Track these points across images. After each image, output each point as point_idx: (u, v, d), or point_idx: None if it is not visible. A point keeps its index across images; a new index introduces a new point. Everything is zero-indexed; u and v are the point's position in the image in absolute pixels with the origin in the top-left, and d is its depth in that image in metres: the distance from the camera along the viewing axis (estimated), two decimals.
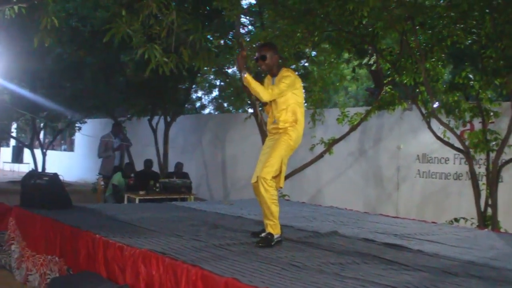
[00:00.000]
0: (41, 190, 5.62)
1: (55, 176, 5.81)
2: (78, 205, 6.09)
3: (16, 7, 6.59)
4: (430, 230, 5.41)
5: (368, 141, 11.14)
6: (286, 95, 4.21)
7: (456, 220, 7.19)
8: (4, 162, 20.74)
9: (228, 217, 5.82)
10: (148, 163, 9.48)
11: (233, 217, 5.81)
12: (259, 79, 4.53)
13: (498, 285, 3.10)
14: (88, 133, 16.85)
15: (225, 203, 7.40)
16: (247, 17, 13.34)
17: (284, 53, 8.23)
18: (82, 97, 12.75)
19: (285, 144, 4.22)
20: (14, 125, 20.59)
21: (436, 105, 7.38)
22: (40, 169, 17.64)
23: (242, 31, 13.21)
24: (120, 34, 6.80)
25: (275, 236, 4.08)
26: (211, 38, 12.85)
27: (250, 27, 12.55)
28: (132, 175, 9.48)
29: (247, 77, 4.04)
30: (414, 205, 10.24)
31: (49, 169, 19.06)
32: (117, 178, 8.86)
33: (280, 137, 4.25)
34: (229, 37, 11.60)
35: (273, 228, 4.09)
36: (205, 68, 7.61)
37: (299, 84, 4.35)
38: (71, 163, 20.32)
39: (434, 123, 7.64)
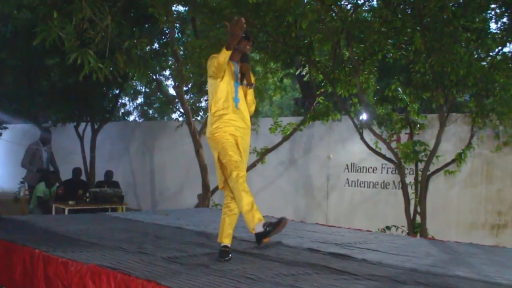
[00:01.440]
0: None
1: None
2: (6, 217, 5.73)
3: None
4: (367, 239, 5.57)
5: (298, 151, 11.33)
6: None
7: (388, 228, 7.46)
8: None
9: (167, 228, 5.70)
10: (76, 171, 9.11)
11: (172, 228, 5.70)
12: None
13: None
14: (9, 139, 15.97)
15: (160, 213, 7.25)
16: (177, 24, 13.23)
17: None
18: (2, 101, 12.09)
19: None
20: None
21: (367, 117, 7.63)
22: None
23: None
24: (51, 37, 6.52)
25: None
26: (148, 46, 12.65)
27: (179, 34, 12.41)
28: (57, 184, 9.08)
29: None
30: (343, 213, 10.52)
31: None
32: (41, 189, 8.44)
33: None
34: (161, 42, 11.41)
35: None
36: (137, 76, 7.40)
37: None
38: None
39: (365, 134, 7.90)
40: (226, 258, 3.89)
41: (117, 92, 13.58)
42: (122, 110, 21.92)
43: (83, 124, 13.55)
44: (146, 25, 11.52)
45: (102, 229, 5.23)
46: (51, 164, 9.53)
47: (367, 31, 7.29)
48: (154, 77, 11.75)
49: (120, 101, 20.84)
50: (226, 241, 4.08)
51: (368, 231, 6.51)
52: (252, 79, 4.15)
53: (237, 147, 3.97)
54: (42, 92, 12.30)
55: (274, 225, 3.68)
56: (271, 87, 18.30)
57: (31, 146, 9.22)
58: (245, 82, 4.08)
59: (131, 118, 22.55)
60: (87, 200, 8.34)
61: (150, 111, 22.69)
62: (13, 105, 12.22)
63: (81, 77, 6.73)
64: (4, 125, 15.11)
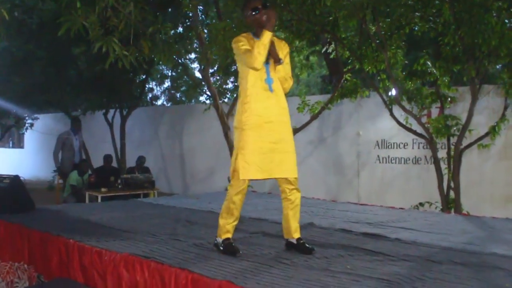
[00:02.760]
0: (2, 193, 5.37)
1: (16, 178, 5.56)
2: (41, 207, 5.84)
3: None
4: (401, 217, 5.49)
5: (327, 129, 11.23)
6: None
7: (421, 204, 7.34)
8: None
9: (199, 212, 5.73)
10: (107, 158, 9.22)
11: (204, 212, 5.72)
12: None
13: (482, 271, 3.15)
14: (40, 129, 16.28)
15: (191, 197, 7.29)
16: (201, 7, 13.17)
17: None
18: (33, 92, 12.27)
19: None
20: None
21: (396, 92, 7.48)
22: None
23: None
24: (76, 27, 6.56)
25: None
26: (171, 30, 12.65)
27: (203, 16, 12.34)
28: (90, 172, 9.21)
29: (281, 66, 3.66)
30: (375, 190, 10.43)
31: None
32: (74, 177, 8.58)
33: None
34: (185, 25, 11.38)
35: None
36: (162, 61, 7.37)
37: None
38: (21, 160, 19.62)
39: (395, 110, 7.75)
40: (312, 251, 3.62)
41: (144, 77, 13.63)
42: (150, 95, 22.09)
43: (112, 111, 13.70)
44: (170, 9, 11.51)
45: (135, 216, 5.28)
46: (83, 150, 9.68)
47: (393, 4, 7.09)
48: (180, 60, 11.75)
49: (147, 86, 21.04)
50: (296, 235, 3.74)
51: (401, 208, 6.43)
52: (283, 52, 3.71)
53: (263, 143, 3.60)
54: (70, 81, 12.44)
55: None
56: (298, 65, 18.16)
57: (62, 135, 9.34)
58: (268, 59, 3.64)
59: (159, 102, 22.74)
60: (119, 186, 8.44)
61: (178, 95, 22.80)
62: (42, 95, 12.38)
63: (107, 65, 6.77)
64: (35, 115, 15.40)
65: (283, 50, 3.75)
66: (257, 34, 3.59)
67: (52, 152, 9.37)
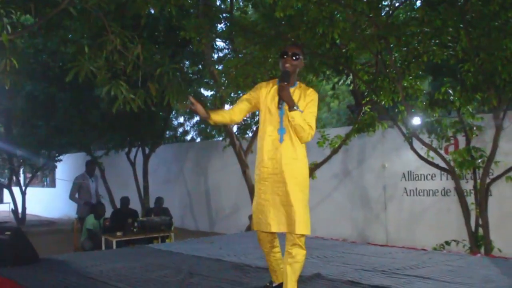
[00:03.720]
0: (3, 246, 5.23)
1: (17, 230, 5.44)
2: (45, 259, 5.68)
3: None
4: (420, 261, 5.11)
5: (351, 161, 10.88)
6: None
7: (447, 243, 6.89)
8: None
9: (205, 260, 5.46)
10: (124, 200, 9.08)
11: (211, 261, 5.45)
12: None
13: None
14: (64, 169, 16.44)
15: (205, 241, 7.04)
16: (221, 41, 13.14)
17: (258, 80, 7.97)
18: (56, 134, 12.37)
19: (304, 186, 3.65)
20: None
21: (415, 125, 7.13)
22: (20, 208, 17.23)
23: (215, 56, 13.01)
24: (83, 72, 6.52)
25: None
26: (185, 68, 12.62)
27: (221, 54, 12.31)
28: (105, 216, 9.07)
29: (297, 112, 3.43)
30: (403, 224, 9.96)
31: (30, 207, 18.65)
32: (91, 221, 8.46)
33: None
34: (199, 64, 11.33)
35: None
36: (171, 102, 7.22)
37: None
38: (53, 199, 19.82)
39: (417, 142, 7.38)
40: None
41: (164, 115, 13.57)
42: (181, 130, 22.09)
43: (134, 150, 13.67)
44: (187, 48, 11.49)
45: (136, 267, 5.06)
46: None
47: (408, 33, 6.80)
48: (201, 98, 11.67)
49: (177, 121, 21.09)
50: None
51: (423, 249, 6.02)
52: (305, 99, 3.55)
53: (271, 195, 3.54)
54: (92, 122, 12.50)
55: None
56: (329, 94, 17.85)
57: (77, 180, 9.31)
58: (280, 105, 3.52)
59: (189, 137, 22.73)
60: (135, 230, 8.26)
61: (207, 129, 22.78)
62: (65, 137, 12.46)
63: (115, 109, 6.69)
64: (58, 157, 15.55)
65: (306, 98, 3.58)
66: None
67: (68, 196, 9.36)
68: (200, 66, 11.88)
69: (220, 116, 3.69)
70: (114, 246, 7.79)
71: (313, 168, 8.95)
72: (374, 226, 10.36)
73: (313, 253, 5.73)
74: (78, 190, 9.24)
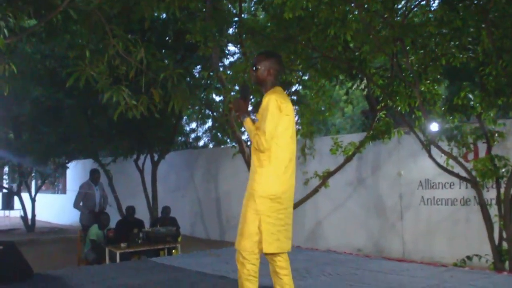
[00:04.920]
0: None
1: (10, 244, 5.15)
2: (40, 274, 5.38)
3: None
4: (441, 280, 4.72)
5: (366, 169, 10.47)
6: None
7: (469, 258, 6.46)
8: None
9: (209, 278, 5.12)
10: (130, 210, 8.75)
11: (215, 278, 5.11)
12: None
13: None
14: (72, 176, 16.23)
15: (211, 254, 6.70)
16: (232, 45, 12.83)
17: None
18: (63, 141, 12.12)
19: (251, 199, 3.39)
20: (5, 170, 20.04)
21: (435, 130, 6.72)
22: (29, 215, 17.07)
23: (227, 61, 12.71)
24: (83, 77, 6.26)
25: None
26: (196, 74, 12.34)
27: (231, 58, 12.01)
28: (109, 226, 8.75)
29: (247, 121, 3.38)
30: (420, 234, 9.53)
31: (41, 214, 18.48)
32: (94, 231, 8.15)
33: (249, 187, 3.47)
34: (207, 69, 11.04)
35: None
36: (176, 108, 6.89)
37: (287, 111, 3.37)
38: (63, 206, 19.58)
39: (435, 149, 6.98)
40: None
41: (174, 122, 13.26)
42: (193, 136, 21.81)
43: (143, 157, 13.38)
44: (196, 53, 11.20)
45: (134, 285, 4.73)
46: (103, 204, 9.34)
47: (425, 35, 6.41)
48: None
49: (189, 127, 20.82)
50: None
51: (443, 266, 5.62)
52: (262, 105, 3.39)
53: None
54: (100, 129, 12.23)
55: None
56: (342, 99, 17.47)
57: (82, 190, 9.06)
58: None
59: (201, 142, 22.43)
60: (139, 241, 7.94)
61: (219, 134, 22.46)
62: (72, 144, 12.21)
63: (115, 116, 6.43)
64: (67, 163, 15.36)
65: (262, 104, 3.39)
66: None
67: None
68: (211, 72, 11.57)
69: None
70: (118, 258, 7.47)
71: (325, 177, 8.57)
72: (390, 236, 9.94)
73: (325, 269, 5.38)
74: (83, 199, 8.96)
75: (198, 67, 12.69)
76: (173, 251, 8.17)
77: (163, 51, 10.78)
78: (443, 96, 7.40)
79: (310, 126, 8.10)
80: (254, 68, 3.51)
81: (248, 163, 8.76)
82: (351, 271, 5.30)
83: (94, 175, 9.25)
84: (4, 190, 19.94)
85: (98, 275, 5.38)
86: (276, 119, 3.27)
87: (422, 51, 6.75)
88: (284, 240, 3.37)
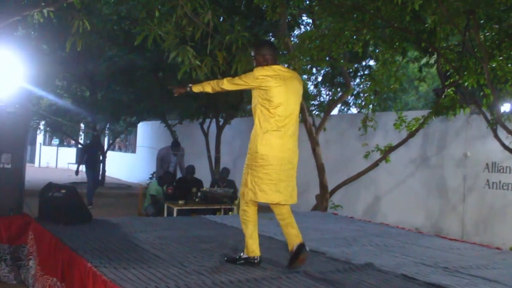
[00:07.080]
0: (58, 203, 5.28)
1: (72, 189, 5.47)
2: (98, 219, 5.70)
3: (45, 11, 6.32)
4: (491, 261, 4.60)
5: (431, 148, 10.18)
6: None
7: None
8: (68, 163, 21.08)
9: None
10: (190, 169, 9.02)
11: (262, 238, 5.18)
12: None
13: None
14: (140, 136, 16.74)
15: (264, 217, 6.80)
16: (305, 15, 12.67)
17: (332, 53, 7.54)
18: (134, 100, 12.57)
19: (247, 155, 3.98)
20: (82, 127, 20.95)
21: (504, 110, 6.43)
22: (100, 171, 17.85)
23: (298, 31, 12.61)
24: (151, 36, 6.43)
25: (243, 256, 3.98)
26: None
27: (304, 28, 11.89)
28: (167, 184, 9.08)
29: (193, 87, 4.22)
30: (482, 219, 9.21)
31: (110, 171, 19.29)
32: (154, 187, 8.50)
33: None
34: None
35: (245, 248, 4.00)
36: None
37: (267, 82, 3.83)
38: (132, 164, 20.40)
39: (502, 130, 6.69)
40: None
41: None
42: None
43: (208, 121, 13.64)
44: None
45: (184, 238, 4.92)
46: (180, 168, 10.32)
47: (502, 7, 6.07)
48: None
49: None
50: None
51: (497, 248, 5.45)
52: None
53: None
54: (170, 91, 12.54)
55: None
56: (416, 76, 16.95)
57: (161, 151, 10.18)
58: None
59: None
60: (196, 200, 8.19)
61: None
62: (142, 103, 12.62)
63: (180, 76, 6.58)
64: (138, 123, 15.86)
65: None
66: None
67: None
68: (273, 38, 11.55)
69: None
70: (175, 214, 7.76)
71: (387, 151, 8.43)
72: (450, 218, 9.68)
73: (373, 240, 5.36)
74: (160, 161, 10.05)
75: (270, 34, 12.67)
76: (229, 212, 8.37)
77: (234, 16, 10.82)
78: None
79: (371, 98, 7.94)
80: (253, 57, 4.04)
81: (309, 132, 8.78)
82: (400, 244, 5.25)
83: (174, 146, 10.25)
84: (79, 146, 20.95)
85: (151, 225, 5.63)
86: (249, 81, 3.89)
87: (497, 26, 6.42)
88: (271, 193, 3.84)
